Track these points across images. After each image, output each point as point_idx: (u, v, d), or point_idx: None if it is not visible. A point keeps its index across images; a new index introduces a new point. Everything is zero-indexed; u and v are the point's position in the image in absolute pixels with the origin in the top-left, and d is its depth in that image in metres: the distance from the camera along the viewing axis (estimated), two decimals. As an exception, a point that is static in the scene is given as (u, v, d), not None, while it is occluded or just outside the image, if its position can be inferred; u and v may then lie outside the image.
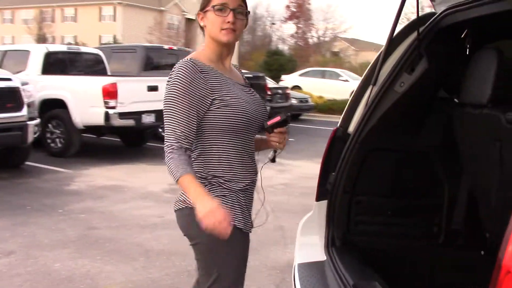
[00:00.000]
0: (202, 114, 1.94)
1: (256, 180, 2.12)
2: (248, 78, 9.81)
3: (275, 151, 2.13)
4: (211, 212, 1.78)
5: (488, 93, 2.33)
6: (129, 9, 44.53)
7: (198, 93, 1.91)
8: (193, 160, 2.02)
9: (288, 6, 47.66)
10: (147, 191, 6.94)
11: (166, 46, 12.70)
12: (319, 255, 2.72)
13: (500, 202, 2.41)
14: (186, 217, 2.03)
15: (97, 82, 8.42)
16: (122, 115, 8.35)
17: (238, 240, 2.03)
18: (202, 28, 2.05)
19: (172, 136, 1.89)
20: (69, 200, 6.37)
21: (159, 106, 8.81)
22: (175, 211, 2.11)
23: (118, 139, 10.74)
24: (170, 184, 7.22)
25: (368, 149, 2.72)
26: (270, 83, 14.47)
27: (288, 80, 20.33)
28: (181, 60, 1.98)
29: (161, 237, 5.06)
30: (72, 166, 8.33)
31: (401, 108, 2.65)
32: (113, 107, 8.25)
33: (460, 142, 2.66)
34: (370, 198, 2.80)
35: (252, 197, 2.14)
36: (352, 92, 3.02)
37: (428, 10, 2.97)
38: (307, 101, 16.47)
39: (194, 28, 45.82)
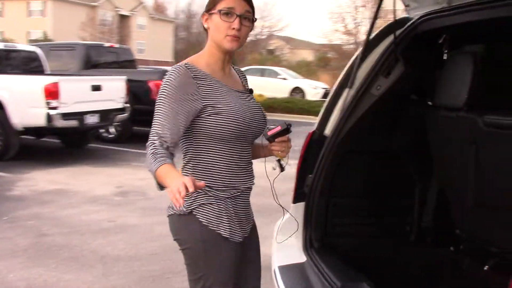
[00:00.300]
0: (191, 119, 1.89)
1: (250, 187, 2.06)
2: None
3: (278, 160, 2.09)
4: (175, 185, 1.62)
5: (464, 96, 2.42)
6: (60, 4, 42.89)
7: (187, 98, 1.86)
8: (182, 166, 1.99)
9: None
10: (94, 194, 6.71)
11: (106, 44, 12.34)
12: (298, 257, 2.73)
13: (475, 202, 2.52)
14: (177, 222, 2.00)
15: (38, 82, 8.03)
16: (65, 116, 8.02)
17: (226, 249, 1.97)
18: (205, 29, 1.99)
19: (156, 135, 1.84)
20: (13, 206, 6.05)
21: (103, 106, 8.50)
22: (167, 216, 2.06)
23: (58, 140, 10.33)
24: (118, 187, 7.03)
25: (345, 151, 2.76)
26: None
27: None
28: (175, 65, 1.93)
29: (116, 242, 4.91)
30: (11, 169, 7.91)
31: (377, 110, 2.70)
32: (55, 108, 7.90)
33: (434, 144, 2.75)
34: (346, 199, 2.84)
35: (246, 205, 2.06)
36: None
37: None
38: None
39: (127, 24, 44.86)
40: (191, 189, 1.59)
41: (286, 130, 2.01)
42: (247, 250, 2.08)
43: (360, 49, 2.76)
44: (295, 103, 17.55)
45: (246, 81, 2.17)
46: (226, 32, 1.90)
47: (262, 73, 21.48)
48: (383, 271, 2.73)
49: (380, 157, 2.87)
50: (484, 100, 2.45)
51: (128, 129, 10.60)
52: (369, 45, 2.72)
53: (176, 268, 4.19)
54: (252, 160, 2.09)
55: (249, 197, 2.08)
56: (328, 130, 2.80)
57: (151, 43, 48.14)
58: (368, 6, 29.93)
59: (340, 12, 30.63)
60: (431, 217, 2.96)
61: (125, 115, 9.48)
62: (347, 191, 2.82)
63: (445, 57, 2.54)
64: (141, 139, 10.93)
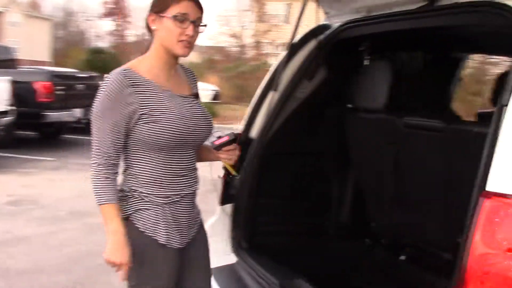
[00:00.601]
0: (131, 129, 1.84)
1: (193, 192, 2.00)
2: (81, 78, 9.30)
3: (225, 168, 2.09)
4: (113, 264, 1.83)
5: (384, 99, 2.60)
6: None
7: (125, 109, 1.80)
8: (123, 171, 1.93)
9: (105, 2, 45.96)
10: (-17, 204, 6.20)
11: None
12: (228, 258, 2.76)
13: (393, 197, 2.72)
14: None
15: None
16: None
17: (163, 256, 1.92)
18: (149, 30, 1.91)
19: (99, 153, 1.81)
20: None
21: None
22: None
23: None
24: (9, 196, 6.55)
25: (271, 153, 2.84)
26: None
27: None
28: (113, 72, 1.84)
29: (16, 254, 4.59)
30: None
31: (301, 113, 2.82)
32: None
33: (353, 144, 2.93)
34: (273, 200, 2.92)
35: (187, 210, 1.99)
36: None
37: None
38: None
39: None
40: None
41: (234, 140, 2.01)
42: (194, 252, 2.04)
43: (283, 53, 2.84)
44: (186, 105, 17.40)
45: (195, 82, 2.10)
46: (178, 37, 1.85)
47: (150, 74, 21.08)
48: (308, 266, 2.85)
49: (303, 158, 2.98)
50: (401, 103, 2.66)
51: (11, 134, 9.88)
52: (293, 49, 2.81)
53: (84, 279, 4.04)
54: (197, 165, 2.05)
55: (192, 201, 2.01)
56: (253, 133, 2.86)
57: (26, 42, 45.15)
58: (253, 10, 30.59)
59: (226, 15, 30.99)
60: (347, 213, 3.14)
61: (9, 118, 8.85)
62: (273, 192, 2.90)
63: (366, 63, 2.70)
64: (28, 144, 10.37)
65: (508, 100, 1.53)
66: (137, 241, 1.87)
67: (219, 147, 2.02)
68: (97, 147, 1.81)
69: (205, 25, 1.91)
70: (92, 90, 11.24)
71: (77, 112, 10.48)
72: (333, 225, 3.14)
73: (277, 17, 32.72)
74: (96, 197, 1.82)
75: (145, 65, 1.89)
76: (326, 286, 2.53)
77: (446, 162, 2.36)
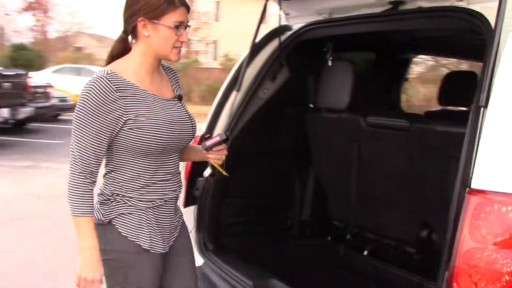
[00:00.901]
0: (115, 134, 1.78)
1: (176, 196, 1.96)
2: (7, 76, 8.85)
3: (213, 167, 2.05)
4: (86, 280, 1.76)
5: (346, 99, 2.67)
6: None
7: (110, 115, 1.73)
8: (104, 174, 1.87)
9: (25, -4, 43.82)
10: None
11: None
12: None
13: (357, 194, 2.80)
14: (97, 231, 1.84)
15: None
16: None
17: (146, 261, 1.87)
18: (134, 33, 1.82)
19: (79, 160, 1.73)
20: None
21: None
22: None
23: None
24: None
25: (234, 153, 2.83)
26: (32, 81, 13.18)
27: (38, 78, 18.79)
28: (95, 74, 1.75)
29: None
30: None
31: (264, 113, 2.83)
32: None
33: (315, 143, 2.98)
34: (237, 200, 2.92)
35: (170, 214, 1.95)
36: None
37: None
38: (67, 101, 15.56)
39: None
40: None
41: (225, 140, 1.98)
42: (178, 257, 2.00)
43: (246, 53, 2.84)
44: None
45: (177, 82, 2.03)
46: (174, 44, 1.80)
47: (79, 72, 20.30)
48: (273, 265, 2.88)
49: (267, 157, 3.00)
50: (361, 103, 2.73)
51: None
52: (255, 48, 2.82)
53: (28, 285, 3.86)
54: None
55: (174, 205, 1.98)
56: (216, 133, 2.84)
57: None
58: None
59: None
60: (309, 211, 3.19)
61: None
62: (237, 192, 2.90)
63: (329, 63, 2.76)
64: None
65: (486, 101, 1.60)
66: (120, 246, 1.82)
67: (210, 148, 1.99)
68: (78, 154, 1.72)
69: (190, 26, 1.86)
70: (19, 89, 10.71)
71: (4, 112, 9.93)
72: (296, 223, 3.19)
73: (206, 15, 32.60)
74: (72, 208, 1.74)
75: (129, 68, 1.81)
76: (293, 283, 2.57)
77: (409, 160, 2.45)
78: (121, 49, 1.88)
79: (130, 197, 1.83)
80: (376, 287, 2.90)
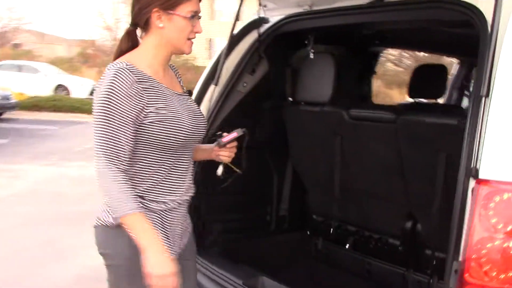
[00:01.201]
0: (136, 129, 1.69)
1: (188, 198, 1.88)
2: None
3: (226, 165, 1.97)
4: (163, 277, 1.63)
5: (329, 92, 2.64)
6: None
7: (135, 107, 1.64)
8: None
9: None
10: None
11: None
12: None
13: (338, 187, 2.78)
14: (103, 234, 1.77)
15: None
16: None
17: None
18: (148, 27, 1.73)
19: (112, 156, 1.61)
20: None
21: None
22: (94, 227, 1.80)
23: None
24: None
25: None
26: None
27: (-24, 75, 18.00)
28: (113, 65, 1.65)
29: None
30: None
31: (243, 107, 2.77)
32: None
33: (294, 137, 2.94)
34: (216, 197, 2.83)
35: (183, 217, 1.88)
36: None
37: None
38: (9, 99, 14.89)
39: None
40: None
41: (243, 136, 1.92)
42: (182, 260, 1.89)
43: (224, 45, 2.77)
44: (64, 101, 16.51)
45: (181, 79, 1.98)
46: (188, 35, 1.75)
47: (20, 69, 19.58)
48: (255, 261, 2.83)
49: (247, 152, 2.93)
50: (342, 95, 2.72)
51: None
52: (233, 41, 2.75)
53: None
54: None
55: (186, 209, 1.90)
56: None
57: None
58: (127, 2, 29.66)
59: (100, 8, 29.79)
60: (286, 206, 3.15)
61: None
62: (217, 189, 2.82)
63: (311, 56, 2.72)
64: None
65: (487, 91, 1.61)
66: (129, 251, 1.71)
67: (224, 145, 1.92)
68: (109, 150, 1.61)
69: (201, 17, 1.80)
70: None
71: None
72: (274, 219, 3.15)
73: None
74: (119, 209, 1.61)
75: (143, 62, 1.72)
76: (277, 279, 2.53)
77: (396, 151, 2.45)
78: (130, 43, 1.79)
79: (143, 198, 1.73)
80: (357, 279, 2.91)
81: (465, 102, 4.84)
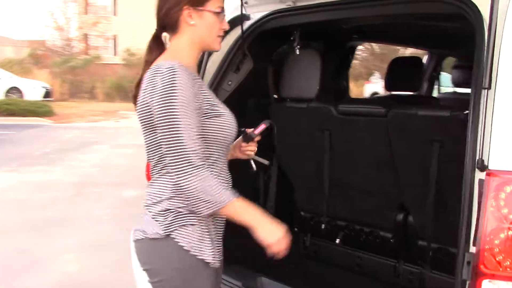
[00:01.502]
0: None
1: None
2: None
3: (253, 160, 1.97)
4: (279, 241, 1.70)
5: (315, 88, 2.63)
6: None
7: (195, 102, 1.62)
8: (157, 178, 1.72)
9: None
10: None
11: None
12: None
13: (329, 184, 2.77)
14: (149, 248, 1.70)
15: None
16: None
17: (206, 278, 1.73)
18: (177, 27, 1.70)
19: (192, 154, 1.57)
20: None
21: None
22: (135, 241, 1.73)
23: None
24: None
25: None
26: None
27: None
28: (163, 64, 1.60)
29: None
30: None
31: (229, 105, 2.71)
32: None
33: (279, 134, 2.90)
34: None
35: (224, 224, 1.83)
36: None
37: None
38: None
39: None
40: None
41: (271, 128, 1.93)
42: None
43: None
44: (18, 104, 15.95)
45: None
46: (218, 32, 1.76)
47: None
48: (244, 260, 2.80)
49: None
50: (326, 91, 2.71)
51: None
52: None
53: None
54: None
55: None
56: None
57: None
58: (78, 1, 29.00)
59: (49, 8, 28.93)
60: (273, 203, 3.12)
61: None
62: None
63: (297, 52, 2.70)
64: None
65: (489, 83, 1.62)
66: (178, 262, 1.66)
67: (254, 137, 1.92)
68: (188, 148, 1.57)
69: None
70: None
71: None
72: None
73: (104, 9, 31.42)
74: (218, 202, 1.60)
75: (183, 61, 1.67)
76: (270, 277, 2.51)
77: (387, 145, 2.46)
78: (159, 47, 1.77)
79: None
80: (348, 273, 2.92)
81: (434, 93, 4.94)
